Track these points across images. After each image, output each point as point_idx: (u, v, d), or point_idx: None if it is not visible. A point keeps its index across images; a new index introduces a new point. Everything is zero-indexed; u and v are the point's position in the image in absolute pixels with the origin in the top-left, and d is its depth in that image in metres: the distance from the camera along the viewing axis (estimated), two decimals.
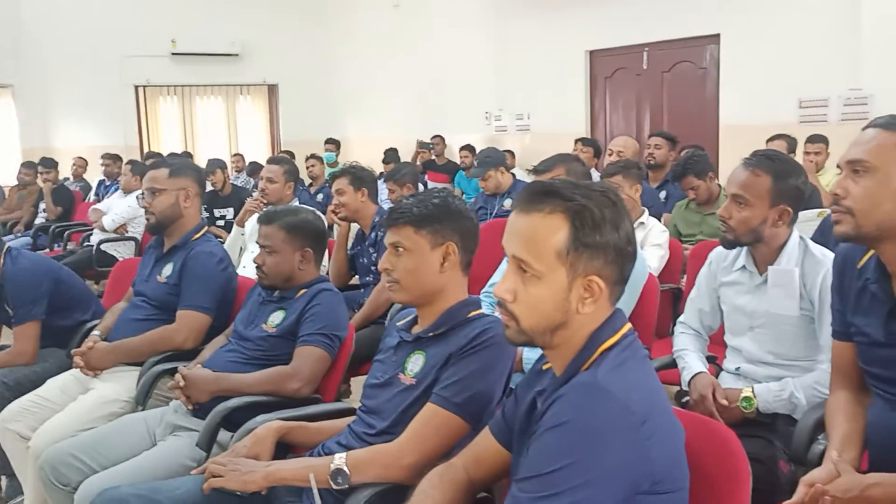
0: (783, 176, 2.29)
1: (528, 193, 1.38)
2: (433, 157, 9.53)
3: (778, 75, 6.87)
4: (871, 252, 1.79)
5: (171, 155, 8.27)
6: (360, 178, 3.79)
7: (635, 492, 1.25)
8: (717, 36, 7.39)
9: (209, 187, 7.12)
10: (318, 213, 3.05)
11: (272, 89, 12.25)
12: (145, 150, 10.95)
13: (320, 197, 7.37)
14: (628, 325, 1.40)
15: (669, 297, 3.67)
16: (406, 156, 9.49)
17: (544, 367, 1.50)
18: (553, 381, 1.41)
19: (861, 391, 1.87)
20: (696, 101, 7.72)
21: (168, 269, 2.93)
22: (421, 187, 8.35)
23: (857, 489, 1.60)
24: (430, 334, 1.88)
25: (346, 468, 1.73)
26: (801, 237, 2.35)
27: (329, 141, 10.04)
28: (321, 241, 2.67)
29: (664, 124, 7.80)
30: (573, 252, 1.33)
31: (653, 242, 3.96)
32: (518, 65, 9.14)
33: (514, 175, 5.70)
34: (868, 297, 1.78)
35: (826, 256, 2.25)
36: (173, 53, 11.19)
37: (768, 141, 5.42)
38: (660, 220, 4.51)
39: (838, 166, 1.77)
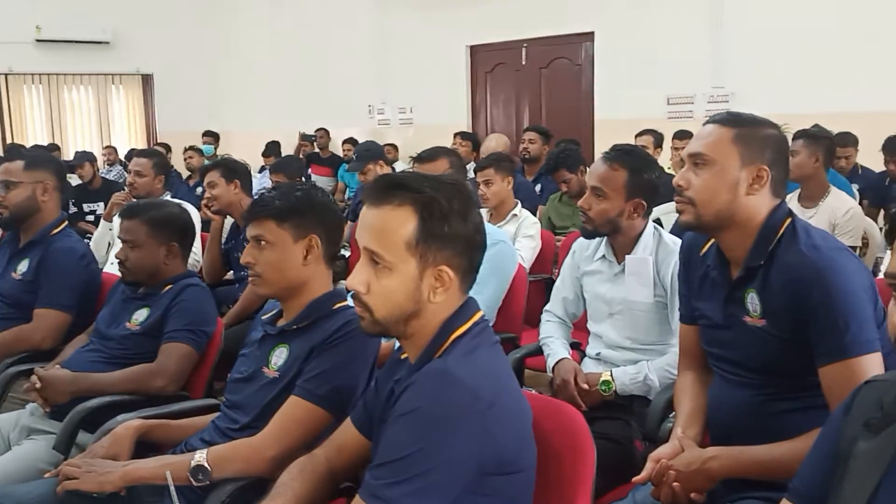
0: (639, 170, 2.41)
1: (378, 187, 1.41)
2: (317, 150, 9.44)
3: (648, 73, 7.18)
4: (713, 240, 1.90)
5: (35, 147, 7.85)
6: (233, 170, 3.73)
7: (483, 473, 1.30)
8: (592, 34, 7.65)
9: (77, 181, 6.82)
10: (188, 206, 2.98)
11: (146, 79, 11.77)
12: (8, 141, 10.33)
13: (199, 190, 7.17)
14: (480, 313, 1.45)
15: (542, 287, 3.78)
16: (289, 149, 9.35)
17: (402, 356, 1.53)
18: (409, 369, 1.44)
19: (705, 371, 1.99)
20: (573, 97, 7.97)
21: (24, 266, 2.80)
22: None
23: (697, 462, 1.71)
24: (294, 327, 1.88)
25: (206, 464, 1.71)
26: (655, 227, 2.48)
27: (207, 133, 9.75)
28: (187, 235, 2.61)
29: (542, 118, 8.01)
30: (423, 243, 1.36)
31: (525, 234, 4.06)
32: (400, 58, 9.17)
33: (394, 168, 5.72)
34: (709, 282, 1.90)
35: (678, 245, 2.37)
36: (38, 40, 10.56)
37: (636, 136, 5.66)
38: (535, 212, 4.65)
39: (681, 159, 1.88)
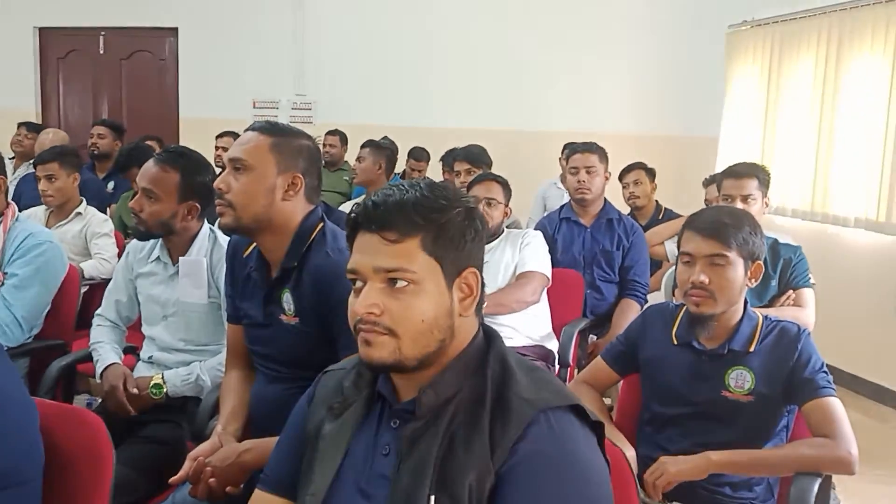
0: (192, 173, 2.40)
1: None
2: None
3: (234, 75, 7.24)
4: (255, 243, 1.99)
5: None
6: None
7: None
8: (176, 30, 7.46)
9: None
10: None
11: None
12: None
13: None
14: None
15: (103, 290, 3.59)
16: None
17: None
18: None
19: (250, 369, 2.08)
20: (157, 92, 7.68)
21: None
22: None
23: (232, 456, 1.78)
24: None
25: None
26: (210, 229, 2.50)
27: None
28: None
29: (124, 112, 7.61)
30: None
31: (99, 233, 3.86)
32: None
33: None
34: (252, 283, 1.98)
35: None
36: None
37: (217, 137, 5.64)
38: (105, 211, 4.40)
39: (224, 165, 1.93)
